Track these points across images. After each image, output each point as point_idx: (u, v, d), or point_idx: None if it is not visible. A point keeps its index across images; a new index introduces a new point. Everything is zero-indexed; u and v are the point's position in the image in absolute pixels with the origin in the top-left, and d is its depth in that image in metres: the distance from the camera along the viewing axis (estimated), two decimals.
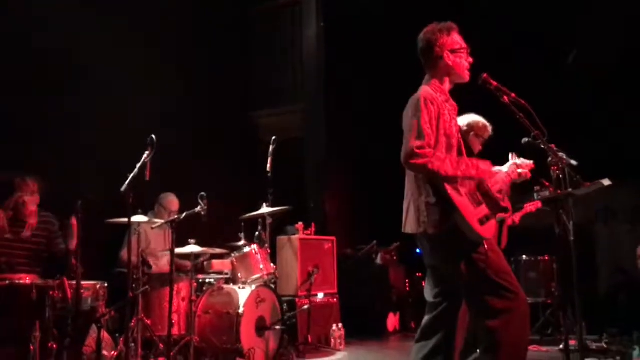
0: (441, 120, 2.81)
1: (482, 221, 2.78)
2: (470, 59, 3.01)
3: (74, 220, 4.26)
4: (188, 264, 5.23)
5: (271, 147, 5.77)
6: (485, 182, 2.92)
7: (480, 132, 4.07)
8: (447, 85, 3.00)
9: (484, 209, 2.84)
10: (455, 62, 2.96)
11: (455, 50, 2.96)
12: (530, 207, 5.11)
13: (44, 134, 5.33)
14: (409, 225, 2.91)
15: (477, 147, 4.01)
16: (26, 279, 3.87)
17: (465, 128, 3.99)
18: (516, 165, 3.19)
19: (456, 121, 2.95)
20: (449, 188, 2.74)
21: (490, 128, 4.11)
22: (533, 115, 3.08)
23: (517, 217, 5.35)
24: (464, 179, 2.80)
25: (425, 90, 2.92)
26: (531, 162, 3.24)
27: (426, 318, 3.03)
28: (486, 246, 2.76)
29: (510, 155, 3.37)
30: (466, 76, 3.01)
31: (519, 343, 2.77)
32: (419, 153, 2.70)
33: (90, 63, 5.66)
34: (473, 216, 2.76)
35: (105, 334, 4.14)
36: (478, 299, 2.78)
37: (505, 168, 3.24)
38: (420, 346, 2.99)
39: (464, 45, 3.00)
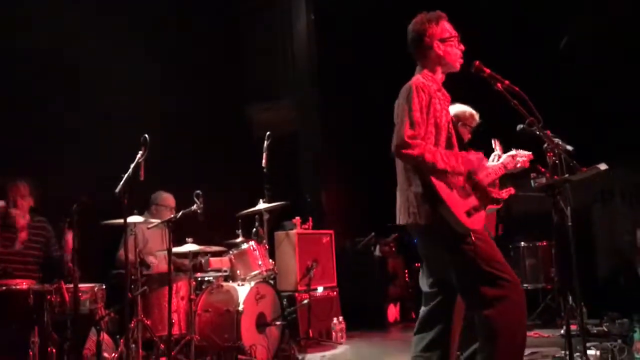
0: (431, 109, 2.79)
1: (470, 212, 2.76)
2: (462, 47, 2.99)
3: (69, 236, 4.21)
4: (187, 262, 5.21)
5: (266, 143, 5.74)
6: (476, 174, 2.89)
7: (468, 122, 4.04)
8: (439, 75, 2.98)
9: (472, 201, 2.81)
10: (445, 51, 2.94)
11: (445, 39, 2.94)
12: (502, 194, 5.06)
13: (36, 135, 5.29)
14: (401, 216, 2.90)
15: (466, 136, 3.99)
16: (23, 284, 3.84)
17: (452, 119, 3.97)
18: (512, 156, 3.16)
19: (447, 112, 2.92)
20: (434, 179, 2.73)
21: (477, 116, 4.09)
22: (527, 101, 3.06)
23: None
24: (453, 174, 2.78)
25: (417, 78, 2.90)
26: (529, 153, 3.21)
27: (423, 309, 3.03)
28: (473, 237, 2.74)
29: (493, 141, 3.34)
30: (457, 65, 2.98)
31: (517, 329, 2.76)
32: (410, 143, 2.69)
33: (82, 63, 5.60)
34: (460, 207, 2.74)
35: (105, 336, 4.13)
36: (471, 289, 2.77)
37: (500, 159, 3.21)
38: (419, 338, 2.99)
39: (454, 33, 2.98)
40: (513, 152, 3.19)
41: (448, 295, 2.93)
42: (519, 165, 3.16)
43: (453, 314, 2.94)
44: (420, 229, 2.84)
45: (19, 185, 4.46)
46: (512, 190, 4.93)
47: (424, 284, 3.05)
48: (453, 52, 2.95)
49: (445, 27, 2.97)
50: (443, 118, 2.84)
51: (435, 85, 2.91)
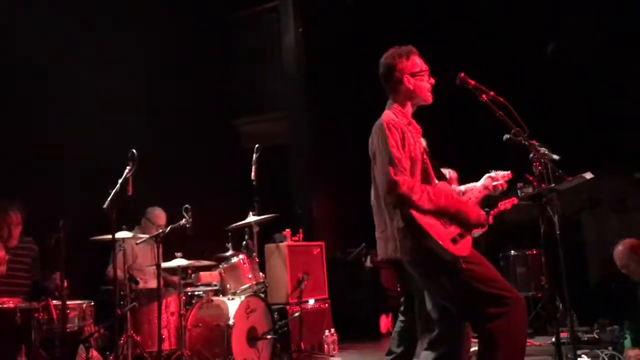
0: (405, 144, 2.83)
1: (455, 240, 2.77)
2: (432, 80, 3.02)
3: (57, 281, 4.14)
4: (176, 278, 5.18)
5: (255, 155, 5.74)
6: (462, 210, 2.89)
7: None
8: (409, 109, 3.02)
9: (455, 228, 2.82)
10: (416, 85, 2.98)
11: (416, 74, 2.98)
12: (505, 204, 5.07)
13: (22, 151, 5.26)
14: (386, 251, 2.93)
15: None
16: (9, 303, 3.80)
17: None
18: (491, 178, 3.18)
19: (420, 143, 2.95)
20: (414, 213, 2.74)
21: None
22: (512, 111, 3.08)
23: (490, 215, 5.34)
24: (440, 213, 2.78)
25: (386, 115, 2.94)
26: (508, 172, 3.23)
27: (434, 333, 3.04)
28: (463, 263, 2.74)
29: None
30: (429, 98, 3.02)
31: (517, 345, 2.78)
32: (399, 182, 2.72)
33: (71, 78, 5.60)
34: (444, 237, 2.75)
35: (94, 353, 4.10)
36: (474, 312, 2.77)
37: (479, 182, 3.23)
38: (426, 354, 3.01)
39: (424, 67, 3.02)
40: (492, 173, 3.20)
41: (452, 320, 2.94)
42: (497, 186, 3.16)
43: (462, 338, 2.98)
44: (409, 264, 2.86)
45: (11, 214, 4.43)
46: (514, 200, 4.96)
47: (431, 309, 3.06)
48: (423, 85, 2.99)
49: (416, 62, 3.01)
50: (417, 150, 2.88)
51: (405, 119, 2.96)
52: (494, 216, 5.20)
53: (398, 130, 2.83)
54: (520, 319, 2.78)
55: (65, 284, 3.82)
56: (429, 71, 3.01)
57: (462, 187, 3.16)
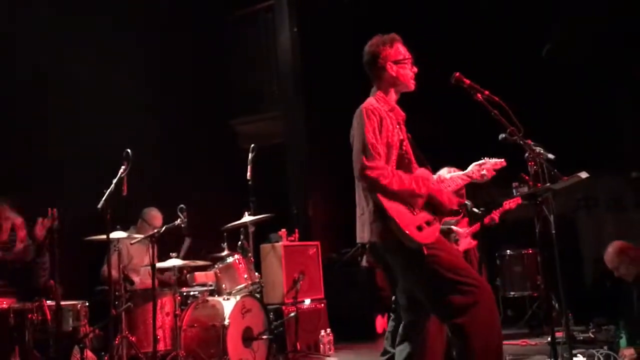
0: (383, 130, 2.88)
1: (421, 227, 2.80)
2: (415, 69, 3.06)
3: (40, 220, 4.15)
4: (171, 277, 5.17)
5: (250, 155, 5.73)
6: (435, 194, 2.90)
7: None
8: (392, 96, 3.07)
9: (424, 215, 2.85)
10: (399, 72, 3.02)
11: (399, 61, 3.02)
12: (509, 204, 5.12)
13: (21, 151, 5.25)
14: (361, 234, 2.96)
15: None
16: (2, 303, 3.78)
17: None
18: (478, 165, 3.18)
19: (400, 130, 2.98)
20: (382, 197, 2.78)
21: None
22: (508, 111, 3.08)
23: (495, 214, 5.37)
24: (410, 196, 2.82)
25: (367, 102, 3.00)
26: (501, 160, 3.23)
27: (403, 322, 3.05)
28: (426, 250, 2.76)
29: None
30: (411, 85, 3.07)
31: (491, 333, 2.76)
32: (370, 166, 2.78)
33: (65, 77, 5.57)
34: (410, 223, 2.77)
35: (89, 353, 4.09)
36: (440, 301, 2.78)
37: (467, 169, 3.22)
38: (400, 350, 3.01)
39: (407, 55, 3.06)
40: (482, 160, 3.21)
41: (422, 306, 2.93)
42: (484, 173, 3.16)
43: (429, 325, 2.94)
44: (379, 247, 2.89)
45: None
46: (519, 200, 4.98)
47: (400, 297, 3.06)
48: (406, 73, 3.03)
49: (399, 50, 3.05)
50: (395, 137, 2.92)
51: (387, 106, 3.01)
52: (500, 214, 5.25)
53: (376, 116, 2.89)
54: (489, 308, 2.77)
55: (52, 282, 3.82)
56: (412, 59, 3.05)
57: (447, 175, 3.15)
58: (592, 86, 6.98)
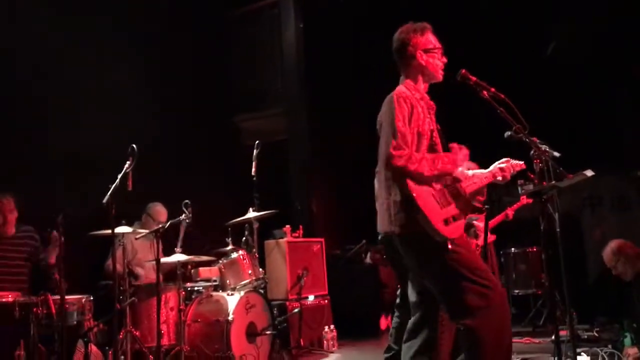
0: (413, 118, 2.82)
1: (448, 221, 2.76)
2: (444, 59, 3.03)
3: (55, 233, 4.20)
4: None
5: (255, 151, 5.73)
6: (457, 183, 2.89)
7: None
8: (421, 85, 3.02)
9: (452, 210, 2.81)
10: (428, 61, 2.98)
11: (429, 50, 2.99)
12: (527, 199, 5.15)
13: (23, 148, 5.25)
14: (382, 224, 2.92)
15: None
16: (8, 297, 3.80)
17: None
18: (501, 169, 3.16)
19: (431, 119, 2.94)
20: (413, 187, 2.73)
21: None
22: (513, 108, 3.07)
23: (510, 211, 5.38)
24: (441, 176, 2.80)
25: (398, 89, 2.94)
26: (522, 162, 3.22)
27: (412, 319, 3.03)
28: (451, 245, 2.74)
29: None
30: (439, 76, 3.03)
31: (501, 338, 2.75)
32: (397, 155, 2.72)
33: (66, 73, 5.58)
34: (437, 216, 2.74)
35: (93, 348, 4.10)
36: (454, 299, 2.76)
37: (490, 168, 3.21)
38: (407, 347, 2.99)
39: (437, 45, 3.02)
40: (503, 162, 3.17)
41: (433, 303, 2.92)
42: (499, 177, 3.14)
43: (439, 321, 2.93)
44: (400, 239, 2.84)
45: (3, 200, 4.45)
46: (529, 200, 5.00)
47: (412, 294, 3.05)
48: (435, 63, 3.00)
49: (430, 39, 3.01)
50: (426, 126, 2.87)
51: (418, 94, 2.95)
52: (514, 211, 5.26)
53: (407, 104, 2.83)
54: (503, 314, 2.76)
55: (57, 275, 3.83)
56: (442, 49, 3.01)
57: (468, 172, 3.12)
58: (592, 86, 6.95)
